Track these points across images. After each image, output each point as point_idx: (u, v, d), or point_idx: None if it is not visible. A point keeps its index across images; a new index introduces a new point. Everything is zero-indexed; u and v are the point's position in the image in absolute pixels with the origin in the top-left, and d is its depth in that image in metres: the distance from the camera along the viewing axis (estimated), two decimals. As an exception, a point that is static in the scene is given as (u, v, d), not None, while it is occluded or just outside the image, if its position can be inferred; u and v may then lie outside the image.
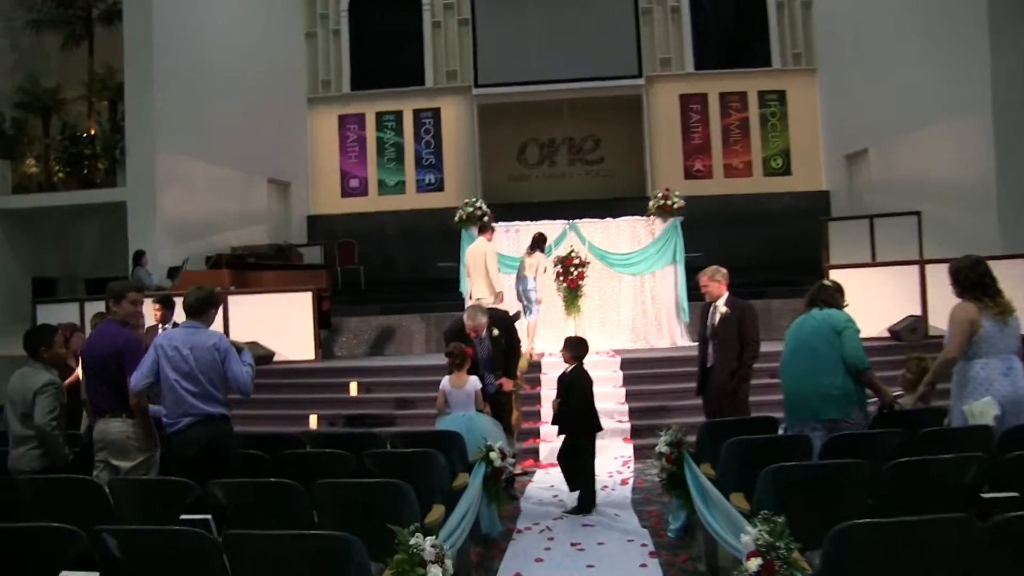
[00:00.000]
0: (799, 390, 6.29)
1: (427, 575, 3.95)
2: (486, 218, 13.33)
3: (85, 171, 16.90)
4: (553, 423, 8.11)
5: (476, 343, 8.38)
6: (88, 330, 9.91)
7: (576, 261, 13.36)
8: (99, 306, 11.49)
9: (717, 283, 8.16)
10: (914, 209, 15.87)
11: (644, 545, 6.60)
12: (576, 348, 7.99)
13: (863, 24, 18.00)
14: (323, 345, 14.19)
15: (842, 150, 19.74)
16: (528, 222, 14.21)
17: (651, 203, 14.00)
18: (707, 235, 16.32)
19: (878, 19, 17.26)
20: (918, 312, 12.30)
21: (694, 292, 11.56)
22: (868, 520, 3.93)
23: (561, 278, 13.34)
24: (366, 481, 5.42)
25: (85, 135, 17.20)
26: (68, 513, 4.67)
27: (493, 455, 6.58)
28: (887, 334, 12.22)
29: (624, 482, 8.86)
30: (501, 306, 11.45)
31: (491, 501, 6.65)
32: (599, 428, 7.93)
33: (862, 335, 6.40)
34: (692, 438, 6.71)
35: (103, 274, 15.23)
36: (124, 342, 6.22)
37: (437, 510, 5.32)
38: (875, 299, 11.74)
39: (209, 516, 4.67)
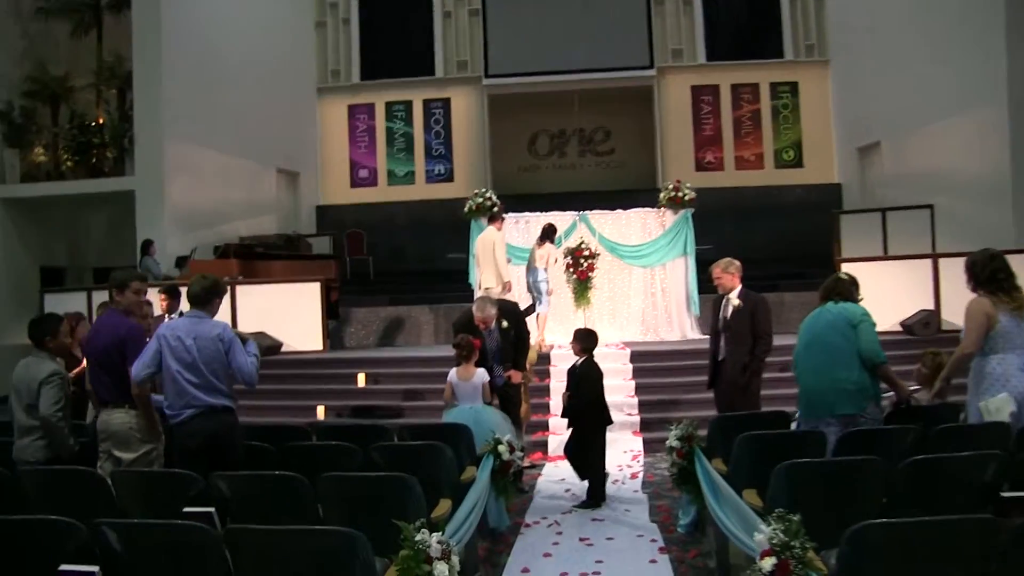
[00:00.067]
0: (815, 385, 6.18)
1: (433, 571, 3.87)
2: (496, 208, 13.24)
3: (93, 160, 16.86)
4: (563, 416, 8.03)
5: (485, 335, 8.32)
6: (95, 320, 9.86)
7: (586, 253, 13.30)
8: (107, 295, 11.46)
9: (730, 275, 8.07)
10: (927, 203, 15.76)
11: (654, 540, 6.53)
12: (586, 340, 7.92)
13: (876, 15, 17.82)
14: (331, 336, 14.15)
15: (854, 143, 19.59)
16: (538, 213, 14.13)
17: (662, 195, 13.93)
18: (718, 227, 16.19)
19: (892, 10, 17.11)
20: (931, 306, 12.20)
21: (705, 285, 11.48)
22: (886, 520, 3.84)
23: (571, 270, 13.28)
24: (372, 475, 5.35)
25: (94, 124, 17.17)
26: (70, 505, 4.62)
27: (501, 448, 6.50)
28: (899, 328, 12.13)
29: (634, 476, 8.79)
30: (509, 297, 11.40)
31: (499, 495, 6.57)
32: (609, 421, 7.85)
33: (874, 329, 6.31)
34: (703, 432, 6.62)
35: (111, 263, 15.17)
36: (126, 331, 6.14)
37: (444, 504, 5.25)
38: (887, 293, 11.61)
39: (212, 509, 4.63)
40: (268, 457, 6.01)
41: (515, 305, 9.46)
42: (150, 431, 6.08)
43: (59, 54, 17.99)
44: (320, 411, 11.18)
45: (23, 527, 4.07)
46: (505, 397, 8.47)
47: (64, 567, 3.81)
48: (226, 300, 9.97)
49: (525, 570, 5.92)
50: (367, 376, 12.09)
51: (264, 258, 15.78)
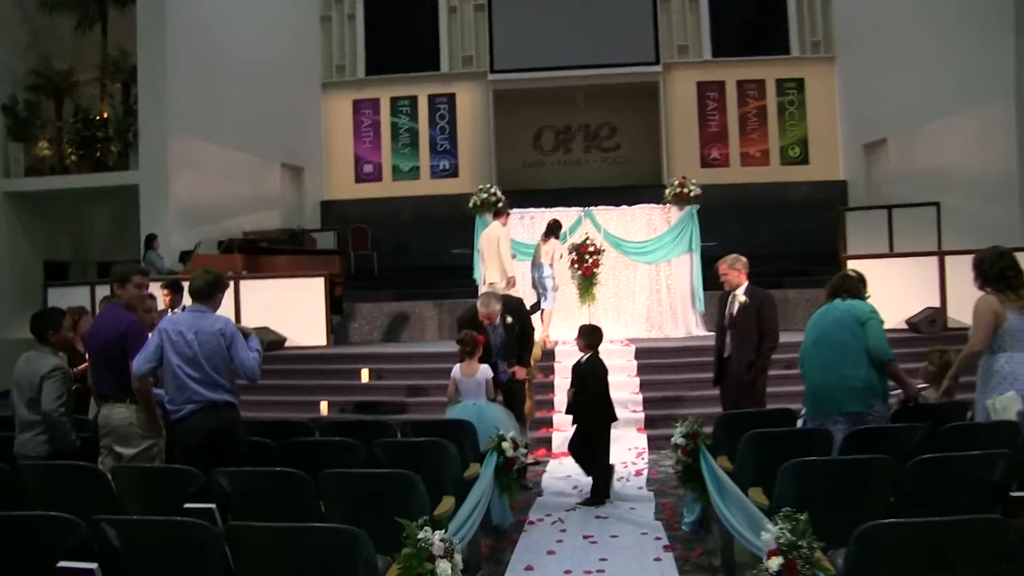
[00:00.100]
0: (822, 382, 6.14)
1: (435, 569, 3.83)
2: (500, 204, 13.21)
3: (98, 154, 16.81)
4: (567, 412, 8.00)
5: (489, 330, 8.27)
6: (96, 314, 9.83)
7: (591, 249, 13.27)
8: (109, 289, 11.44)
9: (737, 272, 8.03)
10: (933, 200, 15.70)
11: (658, 538, 6.49)
12: (591, 337, 7.88)
13: (883, 12, 17.77)
14: (335, 331, 14.11)
15: (860, 139, 19.54)
16: (543, 209, 14.07)
17: (667, 191, 13.87)
18: (723, 224, 16.15)
19: (898, 7, 17.05)
20: (937, 304, 12.14)
21: (710, 281, 11.43)
22: (895, 520, 3.80)
23: (576, 266, 13.25)
24: (375, 471, 5.31)
25: (98, 118, 17.11)
26: (70, 501, 4.60)
27: (505, 445, 6.46)
28: (905, 326, 12.07)
29: (638, 473, 8.75)
30: (514, 292, 11.36)
31: (503, 492, 6.53)
32: (614, 418, 7.82)
33: (880, 327, 6.26)
34: (708, 429, 6.57)
35: (115, 257, 15.09)
36: (127, 326, 6.10)
37: (447, 501, 5.21)
38: (893, 290, 11.51)
39: (213, 505, 4.59)
40: (270, 453, 5.96)
41: (519, 301, 9.42)
42: (151, 426, 6.04)
43: (63, 48, 17.94)
44: (323, 407, 11.15)
45: (22, 523, 4.04)
46: (509, 393, 8.44)
47: (62, 564, 3.77)
48: (230, 295, 9.96)
49: (529, 568, 5.88)
50: (371, 372, 12.05)
51: (268, 253, 15.73)
